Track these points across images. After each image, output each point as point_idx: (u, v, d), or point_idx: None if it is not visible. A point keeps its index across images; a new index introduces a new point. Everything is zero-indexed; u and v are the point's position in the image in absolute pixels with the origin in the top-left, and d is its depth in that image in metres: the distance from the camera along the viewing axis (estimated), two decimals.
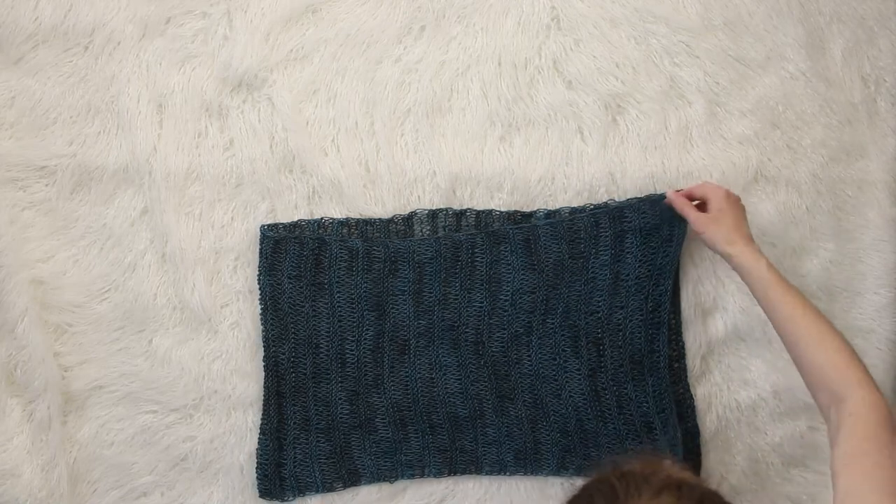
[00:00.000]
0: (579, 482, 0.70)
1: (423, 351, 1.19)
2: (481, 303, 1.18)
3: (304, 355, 1.18)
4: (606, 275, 1.17)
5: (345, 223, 1.19)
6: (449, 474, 1.19)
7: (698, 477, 0.69)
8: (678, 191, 1.12)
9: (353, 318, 1.18)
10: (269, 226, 1.18)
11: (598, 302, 1.18)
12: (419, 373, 1.18)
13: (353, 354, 1.18)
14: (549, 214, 1.19)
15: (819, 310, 0.95)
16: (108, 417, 1.16)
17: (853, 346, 0.91)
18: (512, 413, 1.18)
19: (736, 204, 1.07)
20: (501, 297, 1.18)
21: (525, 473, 1.19)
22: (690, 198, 1.11)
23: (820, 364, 0.89)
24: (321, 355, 1.18)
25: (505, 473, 1.19)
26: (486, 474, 1.19)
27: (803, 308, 0.94)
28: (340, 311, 1.17)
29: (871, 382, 0.86)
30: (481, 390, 1.18)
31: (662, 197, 1.16)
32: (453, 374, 1.18)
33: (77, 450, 1.16)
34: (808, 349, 0.91)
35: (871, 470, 0.77)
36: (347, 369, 1.18)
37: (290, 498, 1.17)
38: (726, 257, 1.03)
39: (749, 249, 1.01)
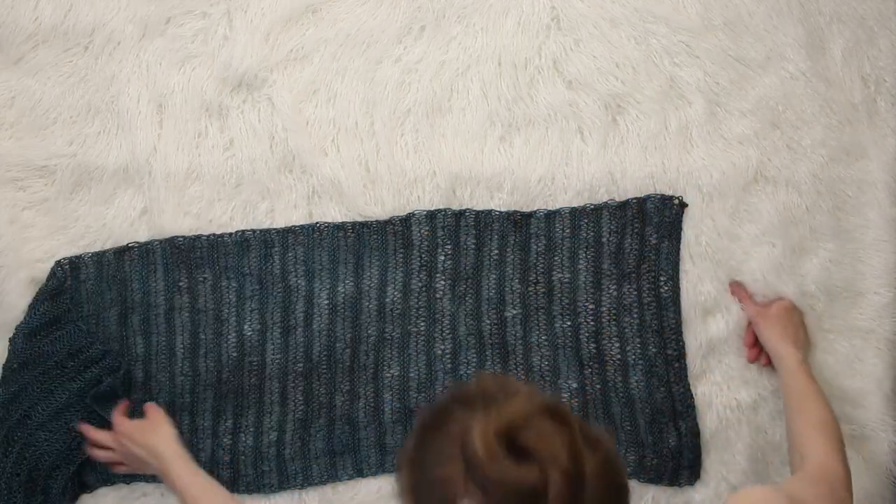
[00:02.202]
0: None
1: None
2: (487, 293, 1.19)
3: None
4: (610, 270, 1.18)
5: (340, 227, 1.19)
6: None
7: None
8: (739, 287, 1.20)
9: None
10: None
11: (598, 296, 1.18)
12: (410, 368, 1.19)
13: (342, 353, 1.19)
14: (550, 215, 1.20)
15: (827, 405, 1.04)
16: None
17: (841, 434, 1.01)
18: None
19: (794, 311, 1.17)
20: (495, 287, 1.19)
21: None
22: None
23: (799, 432, 1.01)
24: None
25: None
26: None
27: (815, 396, 1.05)
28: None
29: (835, 454, 0.96)
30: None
31: (665, 197, 1.17)
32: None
33: None
34: (797, 421, 1.03)
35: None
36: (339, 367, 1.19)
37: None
38: (776, 358, 1.12)
39: (790, 344, 1.11)
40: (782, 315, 1.14)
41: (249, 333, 1.17)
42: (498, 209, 1.20)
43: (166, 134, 1.21)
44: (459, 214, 1.20)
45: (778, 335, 1.12)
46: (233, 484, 1.16)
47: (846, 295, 1.21)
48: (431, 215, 1.19)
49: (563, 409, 0.67)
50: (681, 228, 1.20)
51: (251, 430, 1.17)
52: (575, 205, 1.20)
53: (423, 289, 1.19)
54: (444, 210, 1.19)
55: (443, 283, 1.19)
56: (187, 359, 1.17)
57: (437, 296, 1.19)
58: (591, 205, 1.20)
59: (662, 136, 1.22)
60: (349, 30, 1.24)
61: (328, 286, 1.19)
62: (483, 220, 1.20)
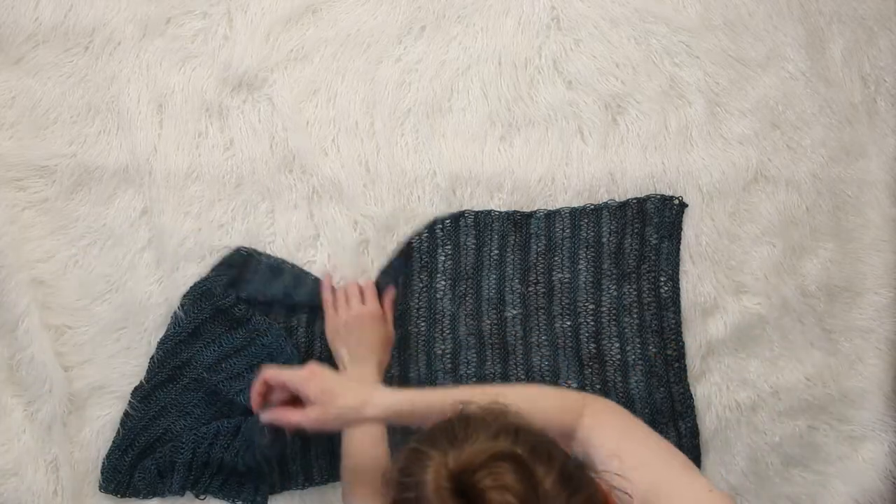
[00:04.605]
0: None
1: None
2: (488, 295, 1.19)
3: None
4: (610, 270, 1.18)
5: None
6: None
7: (538, 428, 0.70)
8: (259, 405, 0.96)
9: None
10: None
11: (598, 296, 1.18)
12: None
13: None
14: (550, 215, 1.20)
15: (492, 390, 0.86)
16: (109, 418, 1.16)
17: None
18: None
19: (321, 372, 0.91)
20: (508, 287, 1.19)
21: None
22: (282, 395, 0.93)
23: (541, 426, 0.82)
24: None
25: None
26: None
27: (481, 392, 0.85)
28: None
29: (579, 396, 0.89)
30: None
31: (665, 197, 1.17)
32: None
33: (78, 450, 1.16)
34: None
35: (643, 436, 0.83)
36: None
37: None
38: (371, 421, 0.88)
39: (377, 393, 0.88)
40: (326, 386, 0.89)
41: None
42: (498, 209, 1.20)
43: (166, 134, 1.21)
44: (459, 215, 1.20)
45: (360, 401, 0.87)
46: None
47: (846, 295, 1.21)
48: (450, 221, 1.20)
49: (522, 456, 0.63)
50: (681, 228, 1.20)
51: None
52: (575, 205, 1.20)
53: (424, 289, 1.19)
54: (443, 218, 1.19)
55: (443, 283, 1.19)
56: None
57: (438, 296, 1.19)
58: (591, 205, 1.20)
59: (662, 136, 1.22)
60: (349, 30, 1.24)
61: None
62: (483, 220, 1.20)
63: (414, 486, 0.64)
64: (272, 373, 0.93)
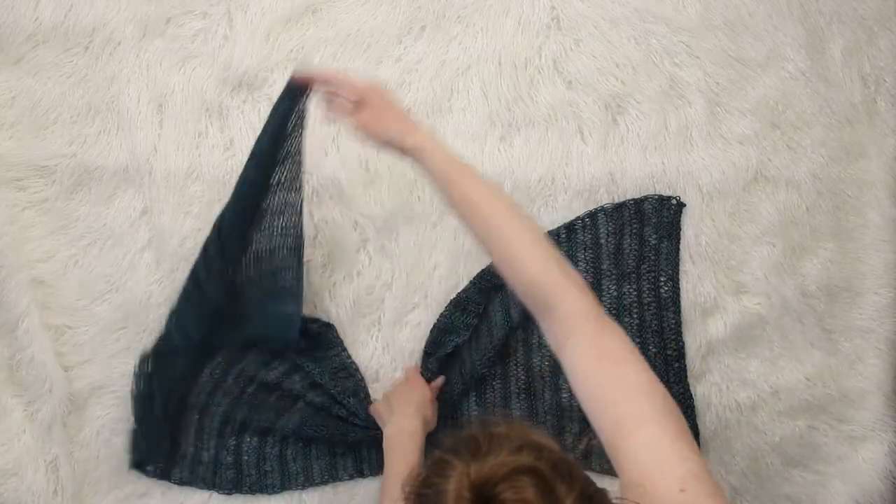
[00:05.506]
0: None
1: None
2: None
3: None
4: (610, 270, 1.18)
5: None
6: None
7: (559, 445, 0.71)
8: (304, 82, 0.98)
9: None
10: None
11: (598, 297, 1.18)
12: None
13: None
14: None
15: (510, 200, 0.88)
16: (109, 418, 1.16)
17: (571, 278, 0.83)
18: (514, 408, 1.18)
19: (388, 92, 0.96)
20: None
21: None
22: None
23: (524, 275, 0.83)
24: None
25: None
26: None
27: (496, 201, 0.87)
28: None
29: (569, 280, 0.83)
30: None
31: (663, 197, 1.17)
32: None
33: (78, 450, 1.16)
34: (508, 256, 0.84)
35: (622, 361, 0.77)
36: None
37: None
38: (406, 150, 0.91)
39: (425, 135, 0.91)
40: (388, 103, 0.94)
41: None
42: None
43: (166, 134, 1.21)
44: None
45: (405, 129, 0.91)
46: (237, 485, 1.16)
47: (846, 295, 1.21)
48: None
49: (545, 472, 0.63)
50: (680, 228, 1.20)
51: (255, 429, 1.17)
52: (575, 205, 1.20)
53: None
54: None
55: None
56: (220, 366, 1.17)
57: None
58: (588, 211, 1.19)
59: (662, 136, 1.22)
60: (349, 30, 1.24)
61: None
62: None
63: (434, 496, 0.64)
64: (342, 75, 0.96)
